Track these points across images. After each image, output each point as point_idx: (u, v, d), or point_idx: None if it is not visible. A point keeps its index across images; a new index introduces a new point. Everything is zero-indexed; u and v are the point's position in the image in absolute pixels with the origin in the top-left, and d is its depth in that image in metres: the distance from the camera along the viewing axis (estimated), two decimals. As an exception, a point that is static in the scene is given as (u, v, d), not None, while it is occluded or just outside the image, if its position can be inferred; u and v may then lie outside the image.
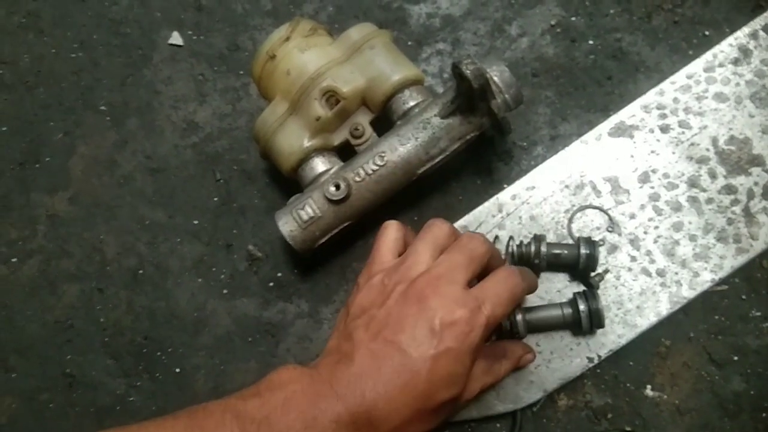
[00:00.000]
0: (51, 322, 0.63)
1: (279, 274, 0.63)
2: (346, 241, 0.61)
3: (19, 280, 0.65)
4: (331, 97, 0.56)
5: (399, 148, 0.55)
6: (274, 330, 0.61)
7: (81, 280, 0.64)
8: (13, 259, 0.65)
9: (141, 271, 0.64)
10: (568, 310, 0.55)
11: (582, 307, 0.54)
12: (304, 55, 0.57)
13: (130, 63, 0.69)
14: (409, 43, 0.66)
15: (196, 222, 0.64)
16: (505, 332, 0.55)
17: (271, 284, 0.63)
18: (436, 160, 0.55)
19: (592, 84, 0.63)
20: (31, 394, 0.62)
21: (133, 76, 0.69)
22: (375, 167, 0.55)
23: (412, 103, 0.56)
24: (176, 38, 0.69)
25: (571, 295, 0.56)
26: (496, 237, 0.58)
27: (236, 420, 0.42)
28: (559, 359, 0.56)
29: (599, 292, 0.56)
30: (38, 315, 0.64)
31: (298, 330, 0.61)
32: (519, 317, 0.54)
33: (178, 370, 0.61)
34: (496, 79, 0.53)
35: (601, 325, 0.54)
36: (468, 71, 0.49)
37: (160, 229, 0.65)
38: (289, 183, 0.60)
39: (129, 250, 0.64)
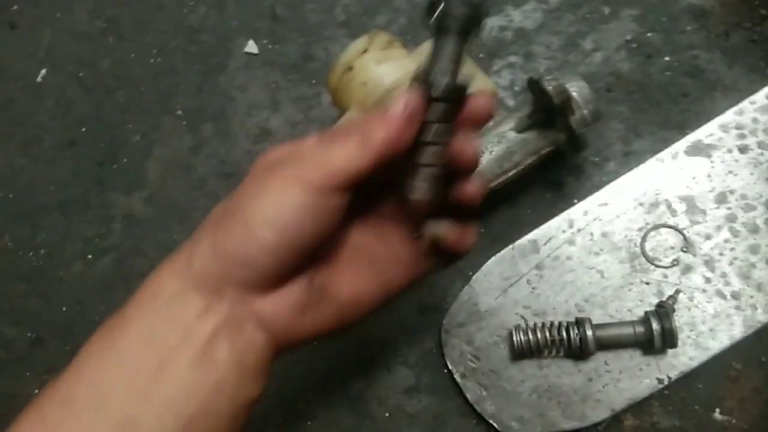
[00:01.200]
0: (123, 319, 0.65)
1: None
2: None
3: (93, 277, 0.67)
4: (407, 108, 0.57)
5: (473, 161, 0.55)
6: (344, 335, 0.62)
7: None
8: (89, 256, 0.68)
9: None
10: (640, 329, 0.54)
11: (655, 325, 0.53)
12: (380, 67, 0.57)
13: (206, 70, 0.71)
14: (481, 55, 0.67)
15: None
16: (574, 349, 0.55)
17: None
18: (510, 174, 0.56)
19: (668, 101, 0.63)
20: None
21: (209, 83, 0.71)
22: (449, 179, 0.55)
23: (487, 117, 0.57)
24: (251, 47, 0.71)
25: (642, 314, 0.56)
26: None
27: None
28: (628, 379, 0.55)
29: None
30: (111, 311, 0.64)
31: (362, 336, 0.62)
32: (590, 333, 0.54)
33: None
34: (574, 94, 0.53)
35: (674, 345, 0.54)
36: (550, 87, 0.49)
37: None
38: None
39: None
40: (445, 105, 0.33)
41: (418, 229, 0.38)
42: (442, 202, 0.36)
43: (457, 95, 0.34)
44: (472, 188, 0.36)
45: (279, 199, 0.33)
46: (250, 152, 0.68)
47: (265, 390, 0.35)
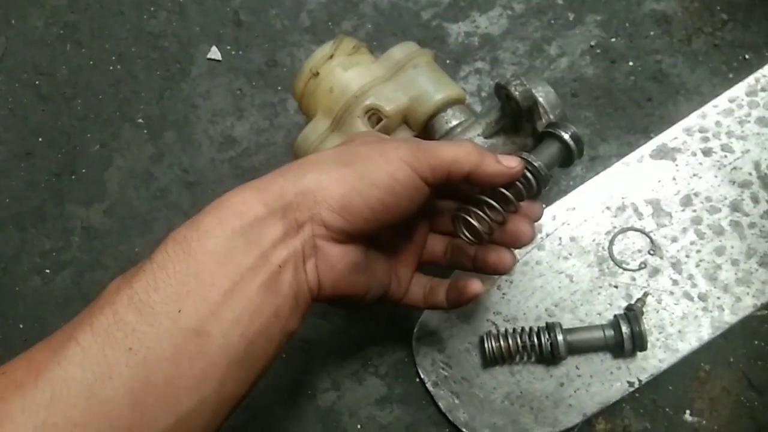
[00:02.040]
0: (84, 335, 0.63)
1: (314, 291, 0.62)
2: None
3: (52, 292, 0.65)
4: (374, 115, 0.56)
5: (442, 167, 0.55)
6: (308, 346, 0.61)
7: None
8: (47, 270, 0.65)
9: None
10: (610, 332, 0.54)
11: (625, 329, 0.53)
12: (347, 73, 0.57)
13: (168, 77, 0.69)
14: (448, 61, 0.66)
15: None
16: (546, 354, 0.54)
17: (306, 300, 0.62)
18: (478, 180, 0.55)
19: (632, 105, 0.63)
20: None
21: (171, 90, 0.69)
22: (417, 186, 0.55)
23: (454, 122, 0.56)
24: (215, 53, 0.69)
25: (611, 317, 0.56)
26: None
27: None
28: (599, 383, 0.55)
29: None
30: (71, 327, 0.63)
31: (331, 347, 0.61)
32: (560, 337, 0.54)
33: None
34: (541, 99, 0.53)
35: (644, 348, 0.54)
36: (516, 92, 0.49)
37: (194, 243, 0.64)
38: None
39: None
40: (531, 183, 0.42)
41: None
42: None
43: (541, 183, 0.43)
44: (507, 259, 0.44)
45: (393, 171, 0.37)
46: (213, 160, 0.66)
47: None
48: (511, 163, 0.41)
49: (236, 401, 0.35)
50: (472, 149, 0.40)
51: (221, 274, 0.33)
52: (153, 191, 0.66)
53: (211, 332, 0.32)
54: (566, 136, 0.45)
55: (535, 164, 0.43)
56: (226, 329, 0.33)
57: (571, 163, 0.46)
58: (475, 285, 0.45)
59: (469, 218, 0.42)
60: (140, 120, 0.68)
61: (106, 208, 0.66)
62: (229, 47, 0.70)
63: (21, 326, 0.63)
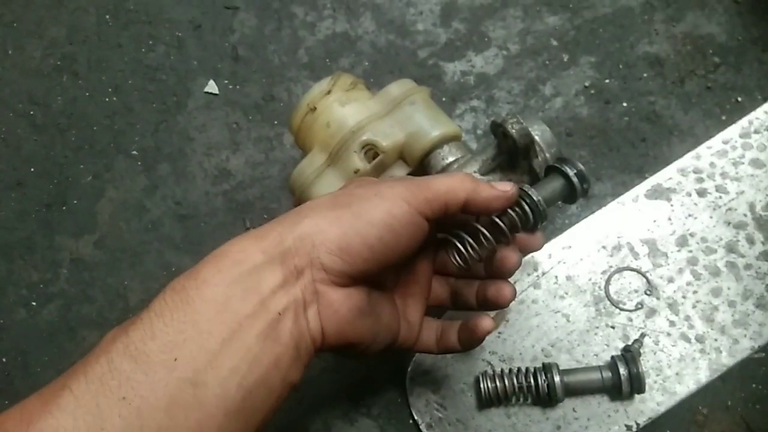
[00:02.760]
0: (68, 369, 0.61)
1: (306, 327, 0.61)
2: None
3: (37, 325, 0.63)
4: (370, 150, 0.56)
5: (438, 204, 0.54)
6: (298, 386, 0.59)
7: (102, 326, 0.62)
8: (33, 303, 0.64)
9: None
10: (607, 374, 0.53)
11: (623, 370, 0.53)
12: (344, 108, 0.57)
13: (164, 109, 0.69)
14: (444, 99, 0.67)
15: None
16: (542, 396, 0.53)
17: (298, 337, 0.61)
18: (474, 217, 0.55)
19: (626, 145, 0.64)
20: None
21: (167, 122, 0.69)
22: (413, 222, 0.54)
23: (450, 159, 0.56)
24: (212, 87, 0.70)
25: (609, 358, 0.55)
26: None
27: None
28: (597, 426, 0.54)
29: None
30: (56, 362, 0.62)
31: (323, 386, 0.59)
32: (557, 379, 0.53)
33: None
34: (537, 138, 0.53)
35: (642, 390, 0.53)
36: (513, 130, 0.49)
37: (185, 277, 0.63)
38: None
39: (153, 296, 0.62)
40: (527, 214, 0.42)
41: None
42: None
43: (538, 216, 0.42)
44: (505, 291, 0.44)
45: (389, 208, 0.37)
46: (207, 193, 0.66)
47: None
48: (505, 187, 0.41)
49: None
50: (464, 177, 0.40)
51: (219, 321, 0.33)
52: (145, 223, 0.65)
53: (208, 382, 0.32)
54: (571, 173, 0.44)
55: (534, 197, 0.42)
56: (223, 378, 0.32)
57: (575, 200, 0.46)
58: (486, 322, 0.44)
59: (457, 243, 0.42)
60: (134, 152, 0.68)
61: (96, 239, 0.65)
62: (226, 81, 0.70)
63: (3, 360, 0.62)
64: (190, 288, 0.34)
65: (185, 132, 0.68)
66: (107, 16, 0.73)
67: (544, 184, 0.45)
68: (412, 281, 0.46)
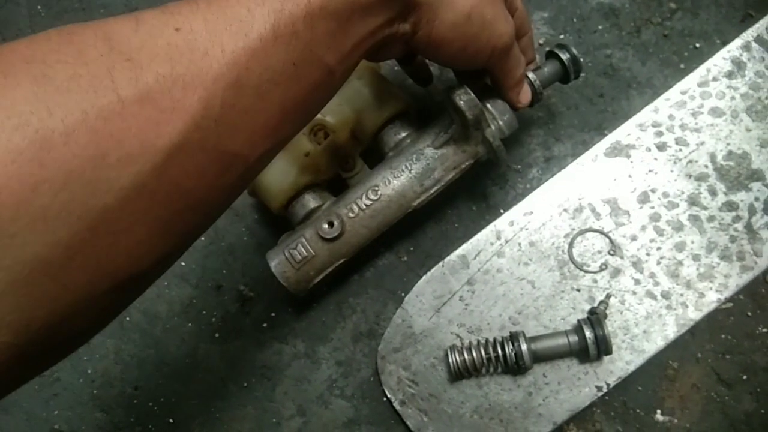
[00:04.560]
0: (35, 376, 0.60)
1: (272, 314, 0.60)
2: (340, 276, 0.59)
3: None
4: (320, 131, 0.54)
5: (393, 181, 0.53)
6: (270, 373, 0.59)
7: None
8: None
9: (128, 318, 0.61)
10: (574, 338, 0.53)
11: (588, 333, 0.52)
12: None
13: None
14: (396, 68, 0.65)
15: (183, 263, 0.62)
16: (511, 365, 0.53)
17: (265, 325, 0.60)
18: (431, 191, 0.54)
19: (585, 102, 0.62)
20: (18, 454, 0.59)
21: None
22: (369, 202, 0.53)
23: (403, 134, 0.55)
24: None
25: (575, 322, 0.55)
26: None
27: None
28: (568, 390, 0.54)
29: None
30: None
31: (294, 371, 0.59)
32: (524, 347, 0.52)
33: (171, 420, 0.59)
34: (489, 106, 0.52)
35: (609, 352, 0.53)
36: (461, 102, 0.48)
37: (146, 273, 0.62)
38: (278, 218, 0.58)
39: (156, 303, 0.62)
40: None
41: None
42: None
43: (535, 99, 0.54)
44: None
45: None
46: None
47: None
48: (525, 101, 0.52)
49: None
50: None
51: None
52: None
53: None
54: (564, 57, 0.54)
55: (535, 84, 0.53)
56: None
57: (569, 81, 0.55)
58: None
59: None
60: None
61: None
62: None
63: None
64: None
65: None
66: (39, 6, 0.69)
67: (542, 68, 0.54)
68: None
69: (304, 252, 0.53)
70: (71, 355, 0.60)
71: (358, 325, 0.60)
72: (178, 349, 0.60)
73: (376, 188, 0.53)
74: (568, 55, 0.54)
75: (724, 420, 0.56)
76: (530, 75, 0.53)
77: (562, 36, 0.64)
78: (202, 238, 0.62)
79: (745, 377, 0.56)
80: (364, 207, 0.53)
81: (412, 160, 0.53)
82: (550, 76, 0.55)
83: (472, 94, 0.48)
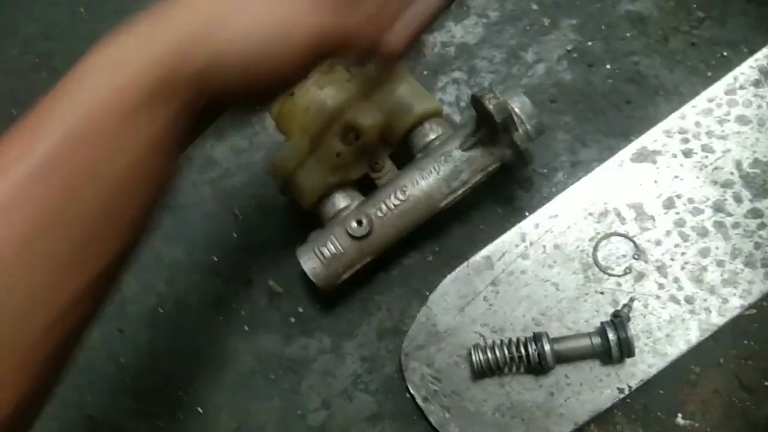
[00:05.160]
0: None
1: (300, 309, 0.62)
2: (367, 274, 0.60)
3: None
4: (351, 132, 0.56)
5: (420, 182, 0.54)
6: (297, 366, 0.61)
7: (100, 320, 0.63)
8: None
9: (161, 310, 0.63)
10: (597, 340, 0.54)
11: (611, 336, 0.53)
12: (323, 91, 0.56)
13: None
14: (425, 72, 0.66)
15: (215, 258, 0.64)
16: (534, 365, 0.54)
17: (293, 320, 0.62)
18: (458, 193, 0.55)
19: (612, 108, 0.63)
20: (53, 439, 0.61)
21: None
22: (397, 202, 0.54)
23: (432, 136, 0.56)
24: (191, 74, 0.69)
25: (599, 324, 0.56)
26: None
27: None
28: (589, 391, 0.55)
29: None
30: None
31: (320, 366, 0.61)
32: (547, 347, 0.53)
33: (200, 409, 0.60)
34: (517, 110, 0.53)
35: (632, 354, 0.53)
36: (491, 106, 0.49)
37: (178, 267, 0.64)
38: (308, 216, 0.59)
39: (148, 288, 0.64)
40: None
41: None
42: None
43: None
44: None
45: None
46: (194, 182, 0.66)
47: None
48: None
49: None
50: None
51: None
52: (134, 216, 0.66)
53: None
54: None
55: None
56: None
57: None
58: None
59: None
60: (119, 145, 0.68)
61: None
62: (205, 68, 0.69)
63: None
64: None
65: (168, 122, 0.68)
66: (81, 9, 0.72)
67: None
68: None
69: (333, 249, 0.55)
70: (106, 345, 0.63)
71: (383, 322, 0.61)
72: (208, 341, 0.62)
73: (405, 189, 0.55)
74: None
75: (744, 425, 0.56)
76: None
77: (590, 43, 0.65)
78: (234, 234, 0.64)
79: (767, 383, 0.56)
80: (392, 207, 0.54)
81: (440, 161, 0.54)
82: None
83: (502, 98, 0.49)
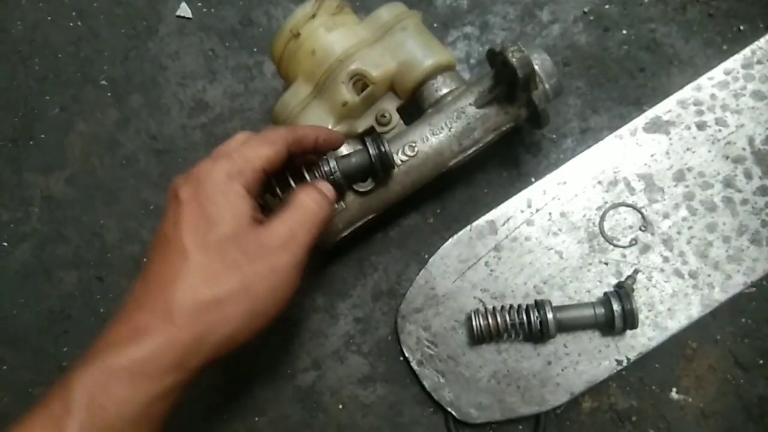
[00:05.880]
0: (46, 312, 0.59)
1: (293, 266, 0.59)
2: (363, 232, 0.58)
3: (10, 266, 0.60)
4: (359, 81, 0.52)
5: (431, 138, 0.52)
6: (287, 324, 0.58)
7: (79, 267, 0.60)
8: (4, 243, 0.61)
9: (144, 259, 0.60)
10: (600, 310, 0.53)
11: (616, 306, 0.52)
12: (330, 34, 0.53)
13: (133, 35, 0.64)
14: (435, 25, 0.63)
15: (204, 208, 0.60)
16: (535, 332, 0.53)
17: (285, 276, 0.59)
18: (469, 152, 0.52)
19: (625, 76, 0.61)
20: (24, 389, 0.58)
21: (137, 49, 0.64)
22: (405, 158, 0.52)
23: (444, 91, 0.53)
24: (184, 10, 0.64)
25: (601, 295, 0.54)
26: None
27: None
28: (587, 361, 0.54)
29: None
30: (32, 304, 0.59)
31: (312, 325, 0.58)
32: (550, 315, 0.52)
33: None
34: (537, 67, 0.51)
35: (635, 326, 0.52)
36: (515, 59, 0.46)
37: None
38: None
39: (131, 236, 0.60)
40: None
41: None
42: None
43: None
44: None
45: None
46: (184, 126, 0.62)
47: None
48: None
49: None
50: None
51: None
52: (118, 159, 0.62)
53: None
54: (372, 152, 0.48)
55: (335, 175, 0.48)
56: None
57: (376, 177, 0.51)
58: None
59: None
60: (103, 82, 0.63)
61: (67, 176, 0.62)
62: (200, 4, 0.65)
63: (-24, 303, 0.59)
64: None
65: (157, 60, 0.63)
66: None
67: (351, 157, 0.49)
68: None
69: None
70: (85, 294, 0.59)
71: (379, 283, 0.59)
72: (194, 294, 0.59)
73: (413, 144, 0.52)
74: (376, 151, 0.48)
75: (737, 402, 0.56)
76: (330, 163, 0.47)
77: (607, 6, 0.63)
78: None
79: (761, 362, 0.56)
80: (400, 163, 0.52)
81: (452, 118, 0.52)
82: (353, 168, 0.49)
83: (526, 52, 0.47)
